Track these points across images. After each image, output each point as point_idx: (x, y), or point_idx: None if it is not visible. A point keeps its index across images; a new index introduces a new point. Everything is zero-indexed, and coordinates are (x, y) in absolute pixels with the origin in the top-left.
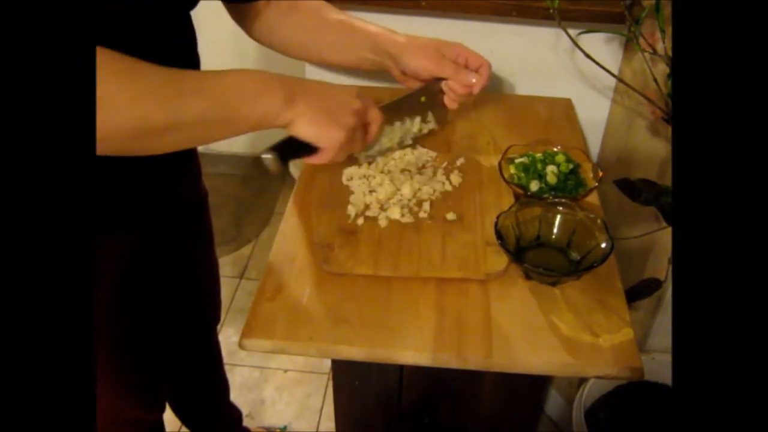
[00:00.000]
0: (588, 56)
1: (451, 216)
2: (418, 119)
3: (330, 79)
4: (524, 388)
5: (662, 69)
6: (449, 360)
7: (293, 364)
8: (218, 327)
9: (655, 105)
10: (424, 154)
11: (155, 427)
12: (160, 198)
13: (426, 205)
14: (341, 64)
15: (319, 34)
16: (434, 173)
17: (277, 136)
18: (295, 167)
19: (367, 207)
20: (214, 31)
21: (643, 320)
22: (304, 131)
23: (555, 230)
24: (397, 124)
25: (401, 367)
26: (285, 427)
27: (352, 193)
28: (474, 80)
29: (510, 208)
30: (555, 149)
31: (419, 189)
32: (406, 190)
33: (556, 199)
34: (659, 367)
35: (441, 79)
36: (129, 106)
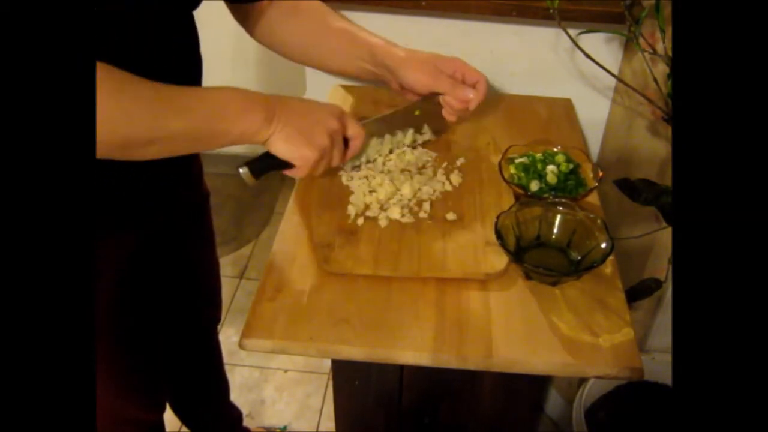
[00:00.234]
0: (588, 56)
1: (451, 216)
2: (411, 131)
3: (330, 80)
4: (524, 388)
5: (662, 69)
6: (449, 360)
7: (293, 364)
8: (218, 327)
9: (655, 105)
10: (424, 154)
11: (155, 427)
12: (160, 198)
13: (426, 205)
14: (340, 71)
15: (320, 40)
16: (434, 173)
17: None
18: None
19: (367, 207)
20: (216, 32)
21: (643, 320)
22: (279, 148)
23: (555, 230)
24: (387, 136)
25: (401, 367)
26: (285, 427)
27: (352, 193)
28: (471, 95)
29: (510, 208)
30: (555, 149)
31: (419, 189)
32: (406, 190)
33: (556, 199)
34: (659, 367)
35: (438, 94)
36: (114, 121)
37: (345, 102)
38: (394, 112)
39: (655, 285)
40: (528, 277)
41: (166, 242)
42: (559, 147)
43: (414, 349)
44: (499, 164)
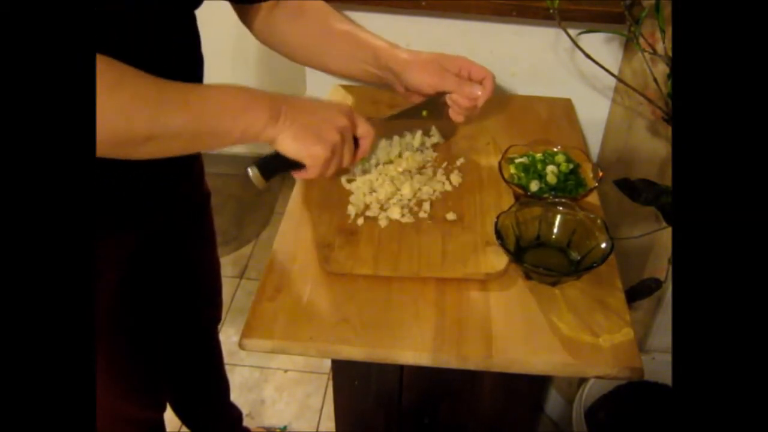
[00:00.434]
0: (588, 56)
1: (451, 216)
2: (419, 133)
3: (330, 80)
4: (524, 388)
5: (662, 69)
6: (449, 360)
7: (293, 364)
8: (218, 327)
9: (655, 105)
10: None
11: (155, 427)
12: (160, 198)
13: (426, 205)
14: (344, 74)
15: (324, 42)
16: (434, 173)
17: None
18: None
19: (367, 207)
20: (217, 31)
21: (643, 320)
22: (288, 147)
23: (555, 230)
24: (396, 138)
25: (401, 367)
26: (285, 427)
27: (352, 193)
28: (479, 92)
29: (510, 208)
30: (555, 149)
31: (419, 189)
32: (406, 190)
33: (556, 199)
34: (659, 367)
35: (445, 93)
36: (112, 117)
37: (345, 102)
38: (401, 111)
39: (655, 285)
40: (528, 277)
41: (166, 242)
42: (559, 147)
43: (414, 349)
44: (499, 164)
